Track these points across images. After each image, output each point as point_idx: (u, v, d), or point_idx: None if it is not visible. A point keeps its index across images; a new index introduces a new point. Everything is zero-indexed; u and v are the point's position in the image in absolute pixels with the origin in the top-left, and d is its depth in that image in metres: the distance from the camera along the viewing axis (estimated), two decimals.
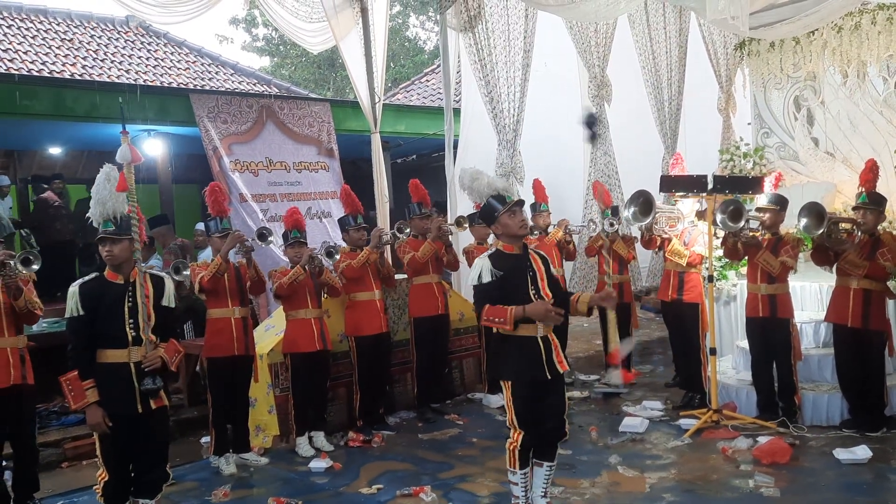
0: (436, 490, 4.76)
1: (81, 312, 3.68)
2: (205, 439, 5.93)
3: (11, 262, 4.58)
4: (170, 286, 3.92)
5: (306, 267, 5.59)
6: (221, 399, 5.43)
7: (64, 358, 3.80)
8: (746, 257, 5.90)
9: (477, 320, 4.08)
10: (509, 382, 3.97)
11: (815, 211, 5.51)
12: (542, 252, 4.19)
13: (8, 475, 4.89)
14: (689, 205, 6.33)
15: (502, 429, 6.10)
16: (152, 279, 3.85)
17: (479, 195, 4.12)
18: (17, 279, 4.62)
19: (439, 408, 6.65)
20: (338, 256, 5.89)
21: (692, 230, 6.33)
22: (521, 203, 4.02)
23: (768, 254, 5.68)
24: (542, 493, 4.10)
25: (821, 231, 5.45)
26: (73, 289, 3.74)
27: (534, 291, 3.93)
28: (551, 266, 4.14)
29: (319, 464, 5.37)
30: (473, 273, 3.96)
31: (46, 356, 5.34)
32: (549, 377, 3.93)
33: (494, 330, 4.00)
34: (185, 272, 5.49)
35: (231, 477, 5.27)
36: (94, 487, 3.86)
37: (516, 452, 3.96)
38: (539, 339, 3.91)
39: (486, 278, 3.87)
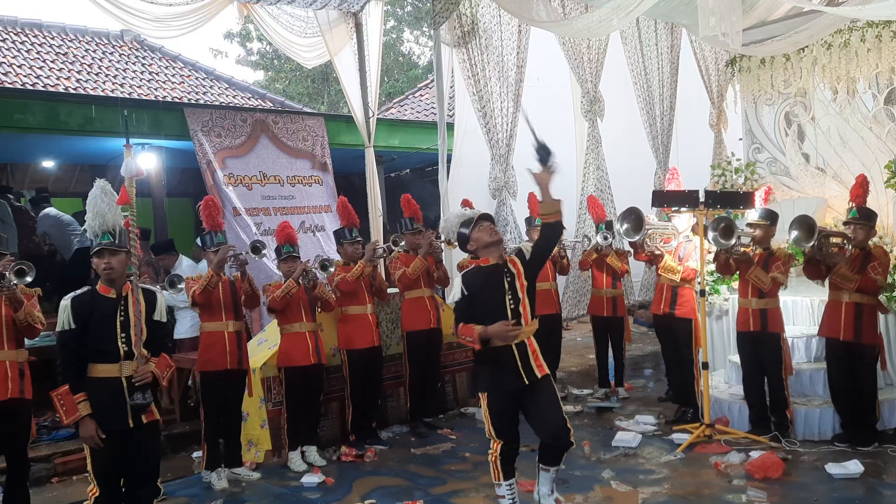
0: None
1: (73, 326, 3.68)
2: (196, 454, 5.90)
3: (7, 274, 4.57)
4: (161, 300, 3.92)
5: (300, 280, 5.59)
6: (214, 413, 5.41)
7: (54, 372, 3.78)
8: (738, 272, 5.93)
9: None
10: (485, 396, 4.06)
11: (805, 223, 5.54)
12: (523, 249, 4.30)
13: None
14: (685, 220, 6.36)
15: None
16: (144, 293, 3.85)
17: (453, 232, 4.31)
18: (16, 291, 4.60)
19: (432, 422, 6.63)
20: (332, 269, 5.89)
21: (687, 245, 6.36)
22: (484, 216, 4.23)
23: (759, 270, 5.71)
24: (550, 492, 4.15)
25: (811, 244, 5.48)
26: (65, 302, 3.73)
27: (510, 296, 4.02)
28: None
29: (312, 479, 5.35)
30: (452, 293, 4.17)
31: (38, 370, 5.31)
32: (528, 383, 3.98)
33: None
34: (179, 286, 5.48)
35: (223, 492, 5.24)
36: (85, 503, 3.84)
37: (498, 463, 4.01)
38: (513, 347, 3.98)
39: (458, 296, 4.08)
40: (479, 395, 4.12)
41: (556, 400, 4.07)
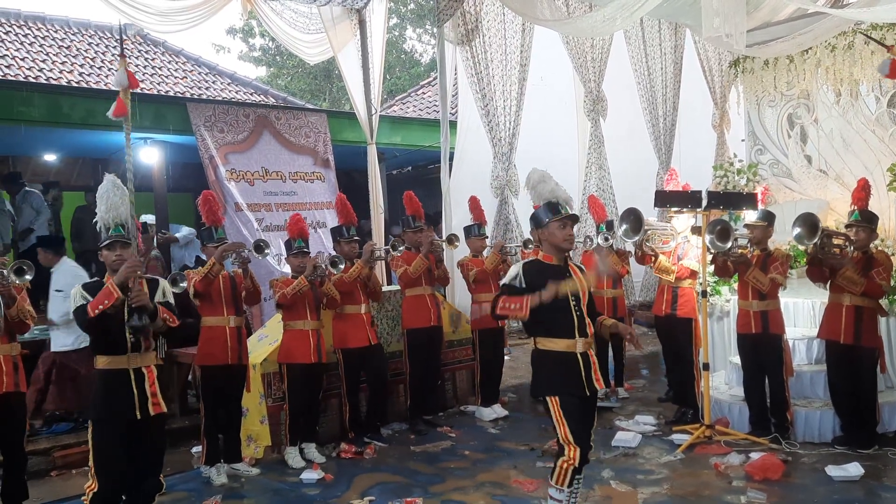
0: (427, 502, 4.75)
1: (88, 299, 3.68)
2: (196, 449, 5.90)
3: (4, 272, 4.58)
4: (164, 284, 3.96)
5: (310, 277, 5.58)
6: (213, 408, 5.41)
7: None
8: (737, 274, 5.92)
9: (492, 313, 3.94)
10: (556, 399, 3.89)
11: (809, 221, 5.53)
12: (583, 266, 4.16)
13: None
14: (683, 220, 6.36)
15: (494, 441, 6.11)
16: (147, 282, 3.87)
17: (539, 197, 4.04)
18: (11, 287, 4.61)
19: (432, 420, 6.63)
20: (342, 266, 5.87)
21: (685, 245, 6.36)
22: (574, 218, 3.98)
23: (758, 271, 5.70)
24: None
25: (814, 241, 5.47)
26: (76, 287, 3.79)
27: (574, 303, 3.88)
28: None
29: (311, 475, 5.35)
30: (507, 275, 3.94)
31: (31, 364, 5.32)
32: (588, 394, 3.91)
33: (533, 346, 3.99)
34: (182, 284, 5.48)
35: (222, 487, 5.24)
36: (82, 498, 3.84)
37: (570, 471, 3.84)
38: (578, 356, 3.90)
39: (513, 282, 3.86)
40: (548, 399, 3.92)
41: (595, 411, 4.09)
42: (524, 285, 3.84)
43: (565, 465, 3.85)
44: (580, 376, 3.88)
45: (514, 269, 3.93)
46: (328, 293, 5.77)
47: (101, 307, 3.61)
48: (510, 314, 3.82)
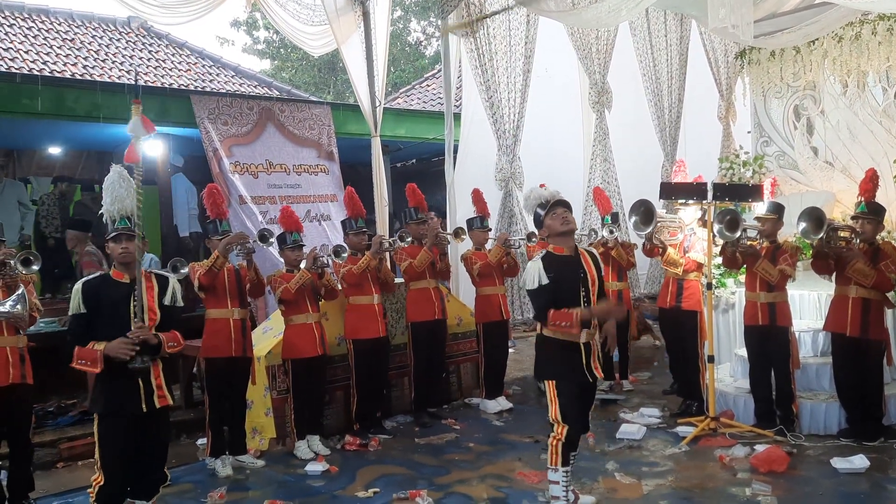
0: (432, 494, 4.76)
1: (83, 310, 3.69)
2: (201, 441, 5.91)
3: (11, 262, 4.58)
4: (174, 284, 3.93)
5: (311, 269, 5.57)
6: (218, 400, 5.42)
7: (55, 359, 3.79)
8: (745, 266, 5.90)
9: (539, 321, 4.14)
10: (554, 382, 4.08)
11: (814, 216, 5.52)
12: (592, 251, 4.30)
13: (3, 475, 4.88)
14: (690, 212, 6.34)
15: (499, 434, 6.11)
16: (157, 278, 3.87)
17: (531, 210, 4.25)
18: (17, 279, 4.61)
19: (436, 412, 6.64)
20: (346, 255, 5.86)
21: (692, 238, 6.34)
22: (560, 203, 4.11)
23: (767, 262, 5.68)
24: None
25: (820, 236, 5.46)
26: (77, 286, 3.76)
27: (584, 293, 4.02)
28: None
29: (316, 467, 5.36)
30: (528, 278, 4.06)
31: (44, 356, 5.33)
32: (589, 381, 4.10)
33: (538, 330, 4.17)
34: (182, 270, 5.49)
35: (227, 479, 5.26)
36: (88, 490, 3.84)
37: (560, 447, 4.03)
38: (581, 346, 4.06)
39: (537, 282, 4.00)
40: (546, 382, 4.15)
41: (594, 398, 4.35)
42: (548, 280, 3.98)
43: (555, 442, 4.05)
44: (581, 365, 4.06)
45: (534, 268, 4.03)
46: (328, 284, 5.77)
47: (81, 365, 3.64)
48: (563, 331, 4.00)
